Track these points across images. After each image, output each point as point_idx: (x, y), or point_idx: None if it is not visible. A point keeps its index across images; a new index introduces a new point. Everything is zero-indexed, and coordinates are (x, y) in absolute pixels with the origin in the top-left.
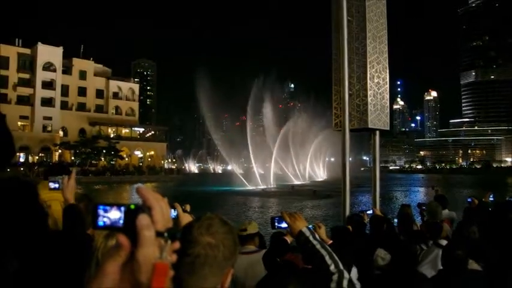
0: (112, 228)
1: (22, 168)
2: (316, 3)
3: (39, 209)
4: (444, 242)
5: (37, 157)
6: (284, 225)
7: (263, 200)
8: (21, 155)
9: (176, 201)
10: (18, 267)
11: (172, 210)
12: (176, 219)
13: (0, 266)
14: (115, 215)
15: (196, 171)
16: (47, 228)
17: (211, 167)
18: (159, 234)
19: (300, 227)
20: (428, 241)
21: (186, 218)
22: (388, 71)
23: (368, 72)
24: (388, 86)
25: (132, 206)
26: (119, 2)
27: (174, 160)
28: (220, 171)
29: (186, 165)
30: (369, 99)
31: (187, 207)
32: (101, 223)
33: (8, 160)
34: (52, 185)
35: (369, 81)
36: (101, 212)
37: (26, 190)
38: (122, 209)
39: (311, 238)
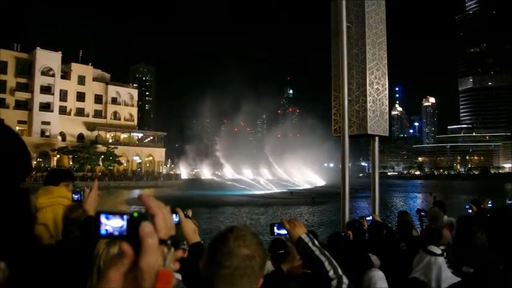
0: (115, 237)
1: None
2: (316, 9)
3: (25, 216)
4: (435, 249)
5: (35, 162)
6: (283, 231)
7: (261, 205)
8: None
9: (178, 207)
10: (8, 273)
11: (174, 215)
12: (178, 224)
13: None
14: (117, 223)
15: (194, 176)
16: (31, 236)
17: (210, 173)
18: (162, 242)
19: (299, 233)
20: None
21: (188, 224)
22: (387, 77)
23: (367, 78)
24: (387, 92)
25: (135, 214)
26: (117, 7)
27: (172, 165)
28: (217, 178)
29: (185, 170)
30: (368, 105)
31: (189, 213)
32: (103, 231)
33: (24, 176)
34: (74, 196)
35: (368, 87)
36: (103, 220)
37: (14, 197)
38: (125, 217)
39: (310, 244)
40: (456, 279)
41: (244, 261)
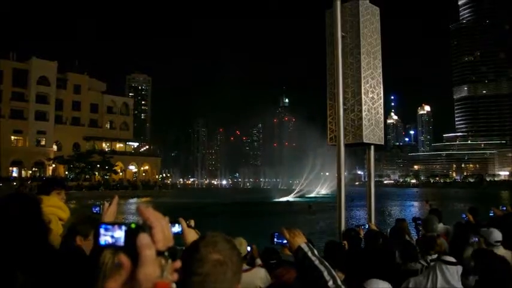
0: (113, 247)
1: (15, 183)
2: (311, 19)
3: (41, 224)
4: (450, 258)
5: (30, 172)
6: (283, 240)
7: (258, 214)
8: (14, 169)
9: (181, 217)
10: (23, 281)
11: (177, 225)
12: (181, 234)
13: (7, 279)
14: (116, 234)
15: (189, 185)
16: (48, 244)
17: (206, 182)
18: (159, 253)
19: (298, 243)
20: (425, 256)
21: (191, 234)
22: (382, 86)
23: (362, 87)
24: (382, 100)
25: (133, 225)
26: (114, 17)
27: (168, 175)
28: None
29: (181, 180)
30: (364, 114)
31: (192, 223)
32: (102, 242)
33: None
34: (94, 209)
35: (363, 96)
36: (102, 231)
37: (30, 205)
38: (123, 228)
39: (309, 254)
40: None
41: (215, 267)
